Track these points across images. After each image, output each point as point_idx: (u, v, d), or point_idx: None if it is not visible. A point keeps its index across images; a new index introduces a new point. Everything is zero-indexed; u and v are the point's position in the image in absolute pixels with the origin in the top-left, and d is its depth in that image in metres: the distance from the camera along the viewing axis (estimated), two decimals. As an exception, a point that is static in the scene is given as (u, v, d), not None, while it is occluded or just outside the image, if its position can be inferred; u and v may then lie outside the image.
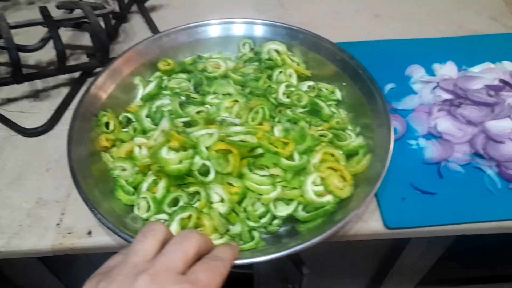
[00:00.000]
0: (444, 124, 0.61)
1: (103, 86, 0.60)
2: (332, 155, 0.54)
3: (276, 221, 0.51)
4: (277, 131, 0.55)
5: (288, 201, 0.51)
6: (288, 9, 0.86)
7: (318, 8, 0.87)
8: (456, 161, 0.59)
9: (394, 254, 0.83)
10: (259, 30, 0.69)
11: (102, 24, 0.74)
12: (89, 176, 0.51)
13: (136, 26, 0.83)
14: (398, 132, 0.63)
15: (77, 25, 0.71)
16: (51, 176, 0.59)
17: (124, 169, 0.53)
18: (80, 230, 0.53)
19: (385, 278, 0.92)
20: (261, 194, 0.50)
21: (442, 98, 0.65)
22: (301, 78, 0.67)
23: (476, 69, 0.70)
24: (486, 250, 1.02)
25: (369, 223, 0.54)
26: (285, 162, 0.51)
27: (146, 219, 0.50)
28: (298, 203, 0.50)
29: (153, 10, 0.86)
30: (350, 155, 0.56)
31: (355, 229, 0.54)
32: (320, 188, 0.50)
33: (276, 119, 0.59)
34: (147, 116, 0.59)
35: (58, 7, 0.75)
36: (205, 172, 0.51)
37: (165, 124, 0.53)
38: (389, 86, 0.69)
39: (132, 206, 0.52)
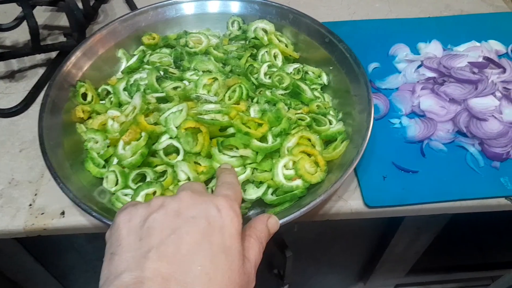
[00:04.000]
0: (427, 102, 0.60)
1: (84, 57, 0.59)
2: (309, 139, 0.52)
3: (243, 204, 0.49)
4: (253, 112, 0.54)
5: (258, 183, 0.49)
6: (272, -11, 0.84)
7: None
8: (439, 140, 0.58)
9: (384, 241, 0.82)
10: (248, 8, 0.67)
11: (80, 4, 0.72)
12: (60, 146, 0.50)
13: (116, 6, 0.81)
14: (381, 111, 0.61)
15: (53, 3, 0.69)
16: (24, 156, 0.57)
17: (96, 141, 0.52)
18: (53, 210, 0.51)
19: (375, 266, 0.91)
20: None
21: (426, 77, 0.64)
22: (289, 60, 0.65)
23: (461, 48, 0.69)
24: (476, 238, 1.02)
25: (349, 202, 0.53)
26: (256, 143, 0.49)
27: (113, 193, 0.49)
28: (268, 186, 0.49)
29: (134, -10, 0.84)
30: (329, 141, 0.54)
31: (336, 208, 0.53)
32: (291, 172, 0.49)
33: (255, 100, 0.58)
34: (124, 89, 0.58)
35: (35, -15, 0.73)
36: (175, 149, 0.50)
37: (136, 100, 0.52)
38: (373, 66, 0.68)
39: (101, 179, 0.51)
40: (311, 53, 0.64)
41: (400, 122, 0.60)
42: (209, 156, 0.49)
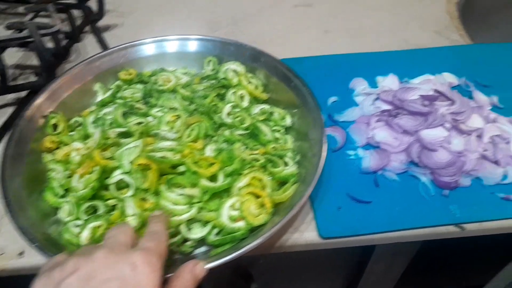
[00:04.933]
0: (382, 134, 0.63)
1: (55, 93, 0.62)
2: (261, 180, 0.53)
3: (189, 242, 0.50)
4: (210, 150, 0.55)
5: (205, 223, 0.50)
6: (240, 26, 0.88)
7: (270, 26, 0.89)
8: (393, 170, 0.60)
9: (358, 270, 0.83)
10: (224, 49, 0.70)
11: (52, 43, 0.75)
12: (20, 175, 0.52)
13: (88, 45, 0.84)
14: (337, 144, 0.64)
15: (24, 44, 0.72)
16: (-14, 196, 0.58)
17: (58, 172, 0.54)
18: (12, 250, 0.52)
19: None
20: (175, 214, 0.49)
21: (381, 109, 0.67)
22: (259, 100, 0.67)
23: (416, 81, 0.72)
24: (451, 262, 1.02)
25: (305, 234, 0.55)
26: (204, 182, 0.50)
27: (66, 223, 0.50)
28: (214, 226, 0.50)
29: (107, 29, 0.87)
30: (284, 182, 0.55)
31: (292, 240, 0.54)
32: (237, 213, 0.49)
33: (214, 139, 0.59)
34: (94, 122, 0.60)
35: (8, 27, 0.76)
36: (128, 184, 0.51)
37: (96, 134, 0.54)
38: (332, 99, 0.71)
39: (57, 208, 0.52)
40: (280, 95, 0.66)
41: (356, 154, 0.62)
42: (158, 193, 0.50)
